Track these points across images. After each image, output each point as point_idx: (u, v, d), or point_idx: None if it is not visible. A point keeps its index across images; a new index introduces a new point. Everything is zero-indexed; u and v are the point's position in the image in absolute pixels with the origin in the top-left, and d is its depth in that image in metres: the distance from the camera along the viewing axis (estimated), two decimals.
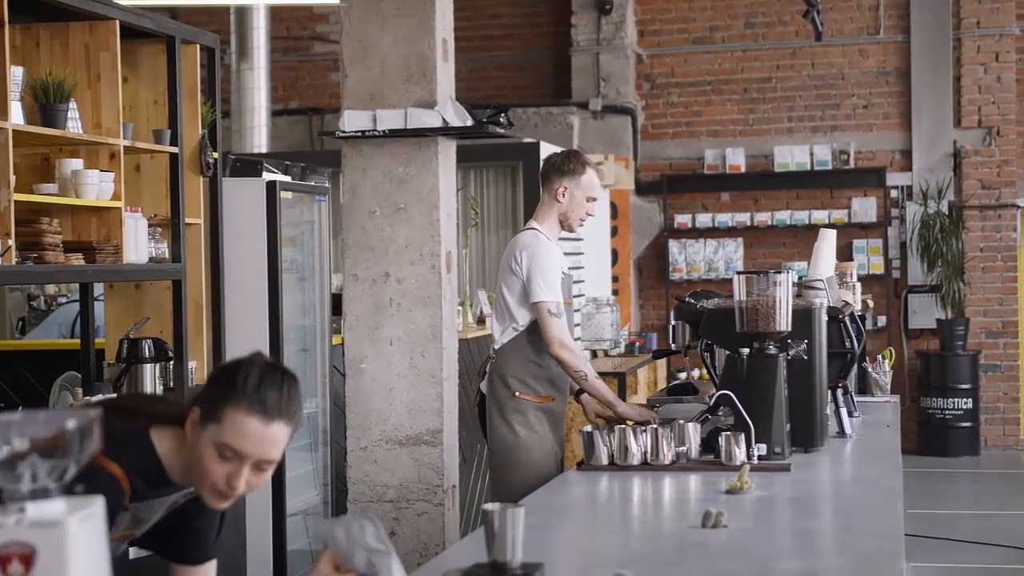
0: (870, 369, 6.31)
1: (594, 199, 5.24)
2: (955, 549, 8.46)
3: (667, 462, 4.19)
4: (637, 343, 10.96)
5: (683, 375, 12.15)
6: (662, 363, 11.12)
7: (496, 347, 5.20)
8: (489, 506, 2.73)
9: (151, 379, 5.33)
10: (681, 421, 4.34)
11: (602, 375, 8.83)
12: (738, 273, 4.43)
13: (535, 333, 5.08)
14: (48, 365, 6.31)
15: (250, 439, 2.50)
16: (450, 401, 5.81)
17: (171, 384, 5.51)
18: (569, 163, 5.21)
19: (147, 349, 5.33)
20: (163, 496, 2.67)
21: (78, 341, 5.72)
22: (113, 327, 5.65)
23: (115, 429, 2.52)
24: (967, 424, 12.11)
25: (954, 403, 12.07)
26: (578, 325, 9.60)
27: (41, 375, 6.18)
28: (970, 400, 12.09)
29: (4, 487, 1.74)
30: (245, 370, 2.53)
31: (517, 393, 5.10)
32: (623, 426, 4.29)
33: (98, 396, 5.10)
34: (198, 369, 5.76)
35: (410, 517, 5.67)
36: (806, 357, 4.49)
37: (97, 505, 1.78)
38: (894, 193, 12.56)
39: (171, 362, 5.48)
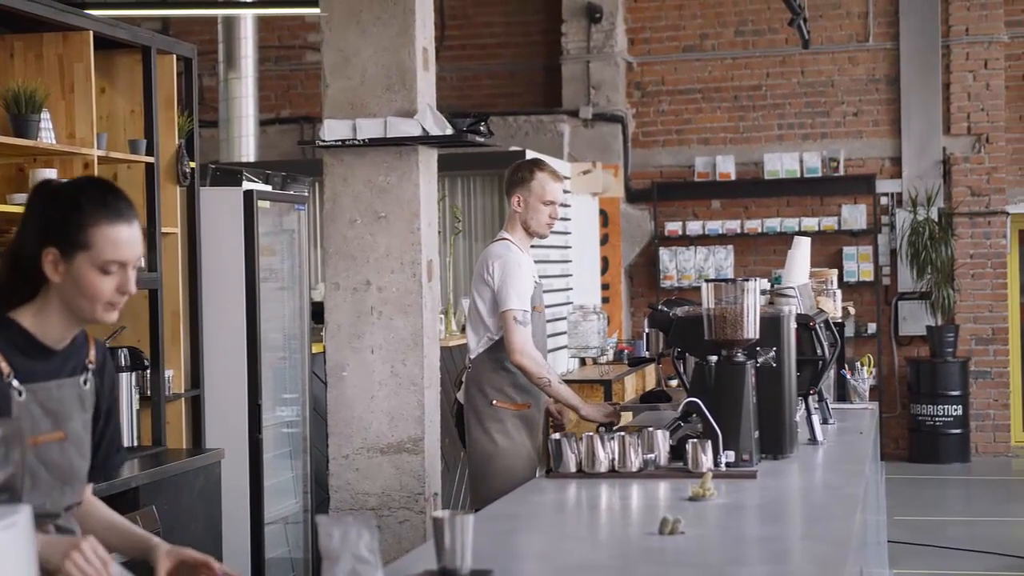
0: (848, 376, 6.31)
1: (551, 202, 5.29)
2: (943, 556, 8.47)
3: (634, 469, 4.20)
4: (626, 351, 10.97)
5: (674, 382, 12.15)
6: (651, 370, 11.13)
7: (471, 356, 5.28)
8: (438, 514, 2.75)
9: (127, 388, 5.34)
10: (650, 428, 4.35)
11: (589, 383, 8.90)
12: (706, 281, 4.45)
13: None
14: None
15: (125, 246, 2.64)
16: (431, 409, 5.82)
17: (148, 393, 5.53)
18: (518, 172, 5.33)
19: (123, 358, 5.34)
20: (54, 372, 2.67)
21: None
22: (89, 335, 5.67)
23: None
24: (957, 431, 12.11)
25: (944, 410, 12.07)
26: (563, 333, 9.62)
27: None
28: (960, 407, 12.10)
29: None
30: (82, 194, 2.64)
31: (494, 402, 5.18)
32: (591, 433, 4.30)
33: None
34: (175, 378, 5.78)
35: (392, 525, 5.67)
36: (775, 364, 4.50)
37: (23, 514, 1.80)
38: (884, 200, 12.58)
39: (147, 371, 5.50)
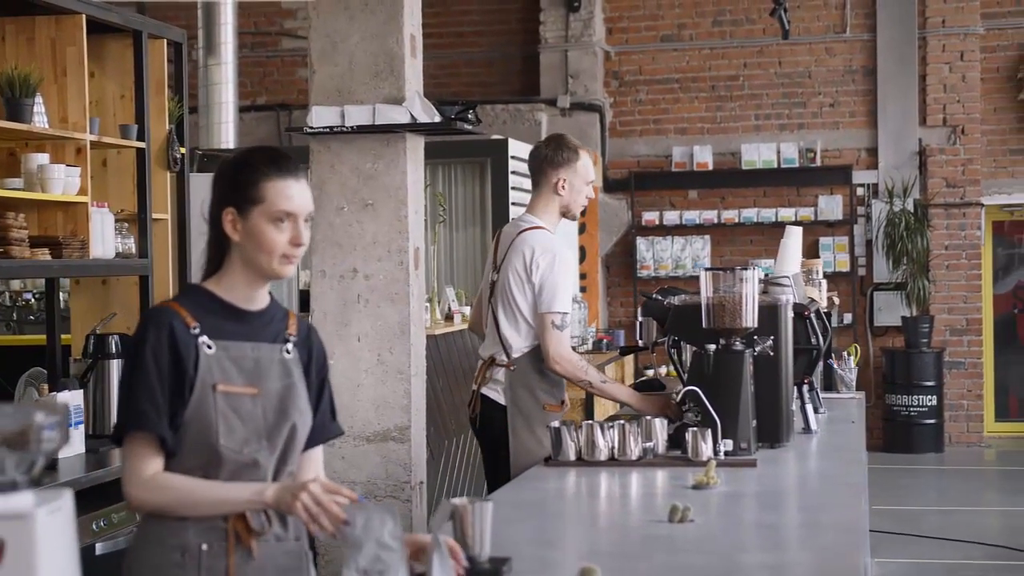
0: (836, 366, 6.34)
1: (592, 181, 5.06)
2: (919, 545, 8.53)
3: (634, 458, 4.20)
4: (605, 340, 11.00)
5: (650, 372, 12.20)
6: (630, 360, 11.17)
7: (514, 355, 4.97)
8: (458, 501, 2.74)
9: (117, 375, 5.30)
10: (648, 417, 4.35)
11: None
12: (705, 269, 4.45)
13: None
14: (14, 361, 6.26)
15: (294, 198, 2.81)
16: (418, 397, 5.81)
17: None
18: (562, 152, 4.99)
19: (114, 345, 5.29)
20: (250, 334, 2.84)
21: (43, 337, 5.67)
22: (79, 323, 5.63)
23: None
24: (931, 421, 12.20)
25: (919, 400, 12.15)
26: None
27: (7, 371, 6.14)
28: (934, 397, 12.18)
29: None
30: (253, 156, 2.86)
31: (546, 406, 4.95)
32: (591, 422, 4.30)
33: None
34: None
35: None
36: (772, 353, 4.51)
37: (66, 499, 1.78)
38: (860, 191, 12.64)
39: None
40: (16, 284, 8.83)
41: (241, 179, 2.83)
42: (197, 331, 2.77)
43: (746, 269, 4.41)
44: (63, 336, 5.68)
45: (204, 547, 2.76)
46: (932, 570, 7.96)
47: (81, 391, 5.13)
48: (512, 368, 4.97)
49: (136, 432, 2.74)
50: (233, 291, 2.84)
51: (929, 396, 12.16)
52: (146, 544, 2.80)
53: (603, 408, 9.27)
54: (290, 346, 2.90)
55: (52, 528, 1.73)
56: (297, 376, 2.89)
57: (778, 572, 2.87)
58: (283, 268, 2.83)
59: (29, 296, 9.01)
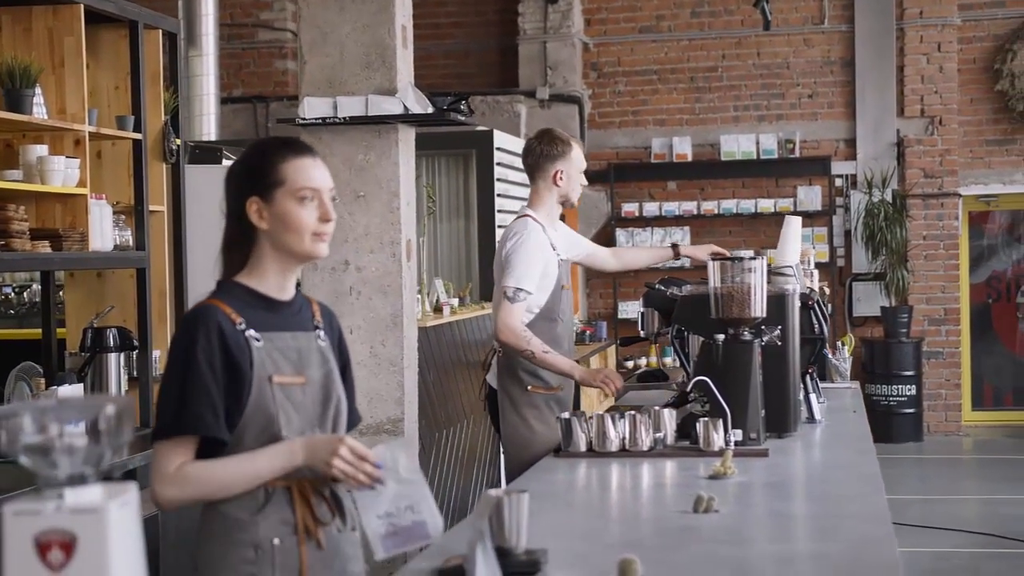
0: (830, 356, 6.36)
1: (584, 169, 5.29)
2: (905, 534, 8.56)
3: (645, 448, 4.20)
4: (587, 332, 11.00)
5: (630, 364, 12.21)
6: (612, 351, 11.17)
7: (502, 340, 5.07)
8: (494, 492, 2.72)
9: (115, 368, 5.26)
10: (657, 407, 4.35)
11: None
12: (713, 259, 4.44)
13: (540, 323, 5.02)
14: (5, 355, 6.20)
15: (313, 174, 2.82)
16: (410, 390, 5.80)
17: (135, 374, 5.45)
18: (556, 146, 5.18)
19: (112, 338, 5.25)
20: (286, 324, 2.83)
21: (39, 331, 5.62)
22: (74, 316, 5.57)
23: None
24: (911, 410, 12.26)
25: (898, 390, 12.21)
26: None
27: None
28: (913, 387, 12.24)
29: (42, 473, 1.72)
30: (264, 144, 2.87)
31: (529, 387, 5.06)
32: (602, 412, 4.29)
33: None
34: (162, 358, 5.69)
35: None
36: (780, 343, 4.50)
37: (132, 492, 1.76)
38: (839, 182, 12.68)
39: (136, 351, 5.41)
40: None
41: (259, 167, 2.81)
42: (243, 326, 2.75)
43: (754, 258, 4.40)
44: (58, 330, 5.63)
45: (276, 542, 2.74)
46: (920, 558, 7.99)
47: (81, 385, 5.09)
48: (499, 353, 5.10)
49: (188, 436, 2.70)
50: (266, 282, 2.82)
51: (908, 386, 12.22)
52: (214, 542, 2.77)
53: (589, 399, 9.26)
54: (322, 333, 2.89)
55: (122, 521, 1.71)
56: (333, 362, 2.89)
57: (817, 561, 2.86)
58: (316, 246, 2.81)
59: (9, 290, 8.93)
